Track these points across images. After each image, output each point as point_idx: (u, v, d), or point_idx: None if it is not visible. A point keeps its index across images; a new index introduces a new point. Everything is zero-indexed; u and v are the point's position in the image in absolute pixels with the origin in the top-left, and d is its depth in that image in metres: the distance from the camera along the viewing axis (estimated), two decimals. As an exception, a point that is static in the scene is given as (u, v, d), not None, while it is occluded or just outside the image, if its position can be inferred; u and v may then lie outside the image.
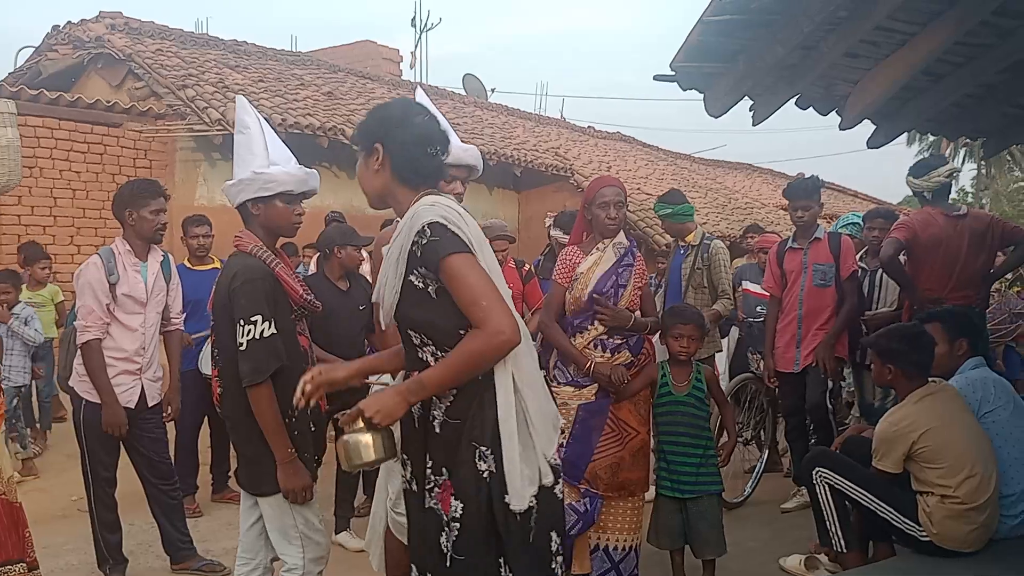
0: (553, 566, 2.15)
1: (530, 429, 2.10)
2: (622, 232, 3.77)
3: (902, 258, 4.68)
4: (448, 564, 2.11)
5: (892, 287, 5.10)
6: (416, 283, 2.11)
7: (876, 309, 5.13)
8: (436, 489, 2.13)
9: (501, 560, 2.10)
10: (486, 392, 2.09)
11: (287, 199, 2.82)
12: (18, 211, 7.89)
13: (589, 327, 3.67)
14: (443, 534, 2.11)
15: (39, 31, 10.19)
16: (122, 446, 4.04)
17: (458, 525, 2.08)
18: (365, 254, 6.90)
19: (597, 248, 3.72)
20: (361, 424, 2.08)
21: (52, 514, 5.19)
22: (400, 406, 2.06)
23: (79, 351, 3.90)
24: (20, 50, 10.55)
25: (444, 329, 2.10)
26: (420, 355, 2.17)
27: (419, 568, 2.22)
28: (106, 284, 3.83)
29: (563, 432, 3.64)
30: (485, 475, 2.07)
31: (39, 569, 3.34)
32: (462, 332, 2.08)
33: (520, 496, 2.04)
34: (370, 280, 6.60)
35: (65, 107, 8.24)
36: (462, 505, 2.08)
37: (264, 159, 2.80)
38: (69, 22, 9.88)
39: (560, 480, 2.21)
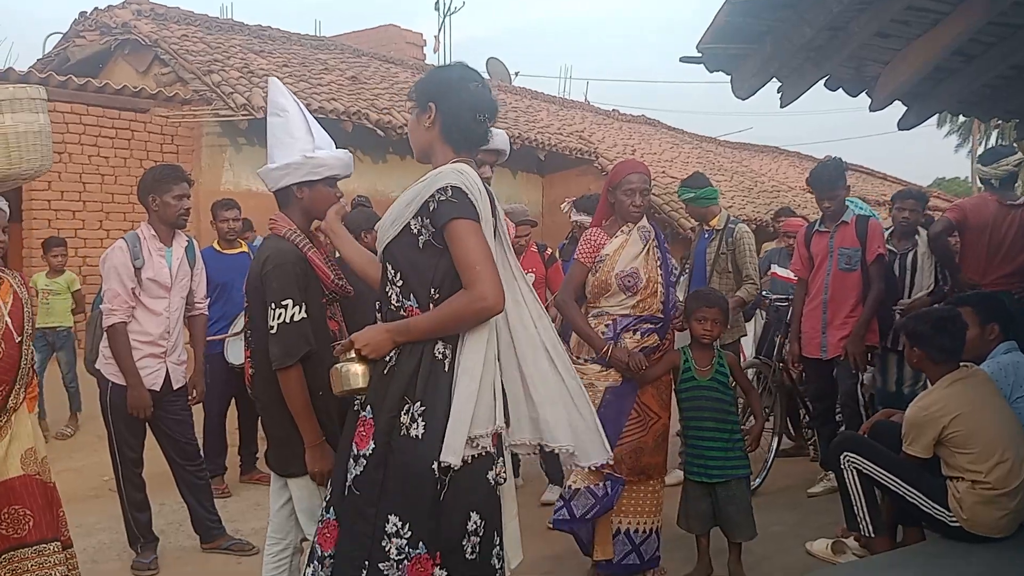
0: (464, 543, 2.19)
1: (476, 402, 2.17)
2: (644, 216, 3.76)
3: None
4: (345, 494, 2.24)
5: (927, 270, 5.04)
6: (413, 228, 2.23)
7: (911, 294, 5.05)
8: (358, 425, 2.25)
9: (394, 516, 2.15)
10: (440, 352, 2.19)
11: (331, 183, 2.83)
12: (48, 196, 7.99)
13: (634, 331, 3.66)
14: (349, 464, 2.24)
15: (67, 17, 10.30)
16: (148, 428, 4.11)
17: (364, 463, 2.20)
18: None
19: (622, 231, 3.72)
20: (353, 355, 2.26)
21: (84, 494, 5.29)
22: (387, 343, 2.23)
23: (105, 334, 3.96)
24: (48, 36, 10.68)
25: (416, 280, 2.24)
26: (387, 290, 2.31)
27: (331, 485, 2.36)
28: (131, 268, 3.88)
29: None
30: (403, 431, 2.16)
31: (73, 548, 3.40)
32: (434, 290, 2.21)
33: (454, 452, 2.09)
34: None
35: (93, 93, 8.32)
36: (373, 446, 2.19)
37: (309, 142, 2.78)
38: (96, 8, 9.96)
39: (495, 467, 2.23)
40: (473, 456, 2.15)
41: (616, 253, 3.66)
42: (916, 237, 5.12)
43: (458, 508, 2.17)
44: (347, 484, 2.23)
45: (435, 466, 2.11)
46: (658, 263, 3.71)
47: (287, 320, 2.64)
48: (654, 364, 3.68)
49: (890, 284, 4.92)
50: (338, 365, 2.29)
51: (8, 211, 3.20)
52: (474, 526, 2.20)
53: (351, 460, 2.23)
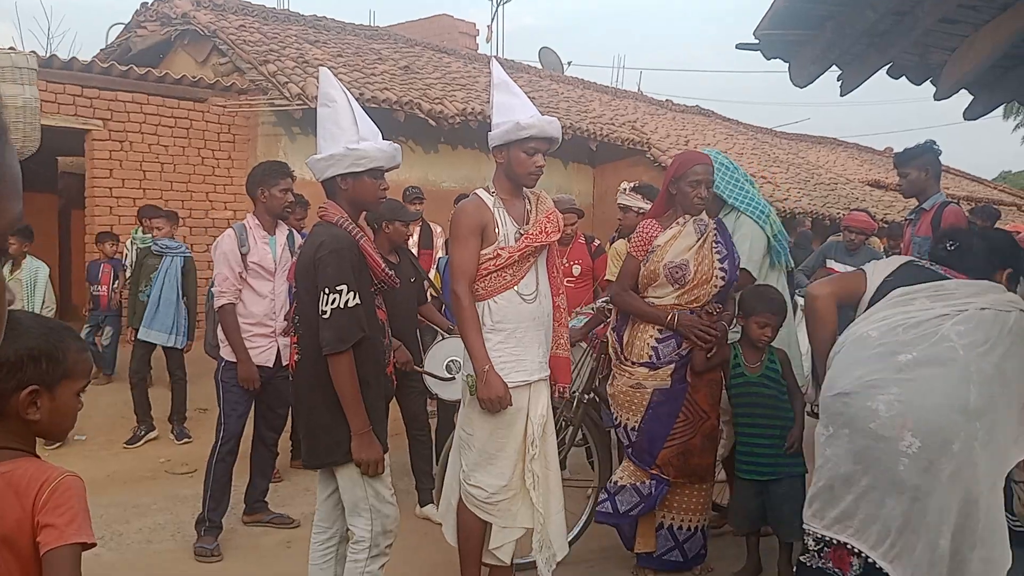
0: None
1: None
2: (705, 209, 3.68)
3: None
4: None
5: None
6: None
7: None
8: None
9: None
10: None
11: (375, 174, 2.83)
12: (109, 184, 8.18)
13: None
14: None
15: (129, 8, 10.54)
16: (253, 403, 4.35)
17: None
18: (439, 229, 6.92)
19: (677, 223, 3.62)
20: None
21: (141, 475, 5.41)
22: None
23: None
24: (111, 27, 10.95)
25: None
26: None
27: None
28: (238, 254, 4.16)
29: (635, 415, 3.61)
30: None
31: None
32: None
33: None
34: (441, 252, 6.63)
35: (153, 83, 8.48)
36: None
37: (354, 134, 2.78)
38: (157, -1, 10.16)
39: None
40: None
41: (667, 244, 3.58)
42: None
43: None
44: None
45: None
46: (717, 257, 3.60)
47: (341, 305, 2.64)
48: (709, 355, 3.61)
49: None
50: None
51: None
52: None
53: None
